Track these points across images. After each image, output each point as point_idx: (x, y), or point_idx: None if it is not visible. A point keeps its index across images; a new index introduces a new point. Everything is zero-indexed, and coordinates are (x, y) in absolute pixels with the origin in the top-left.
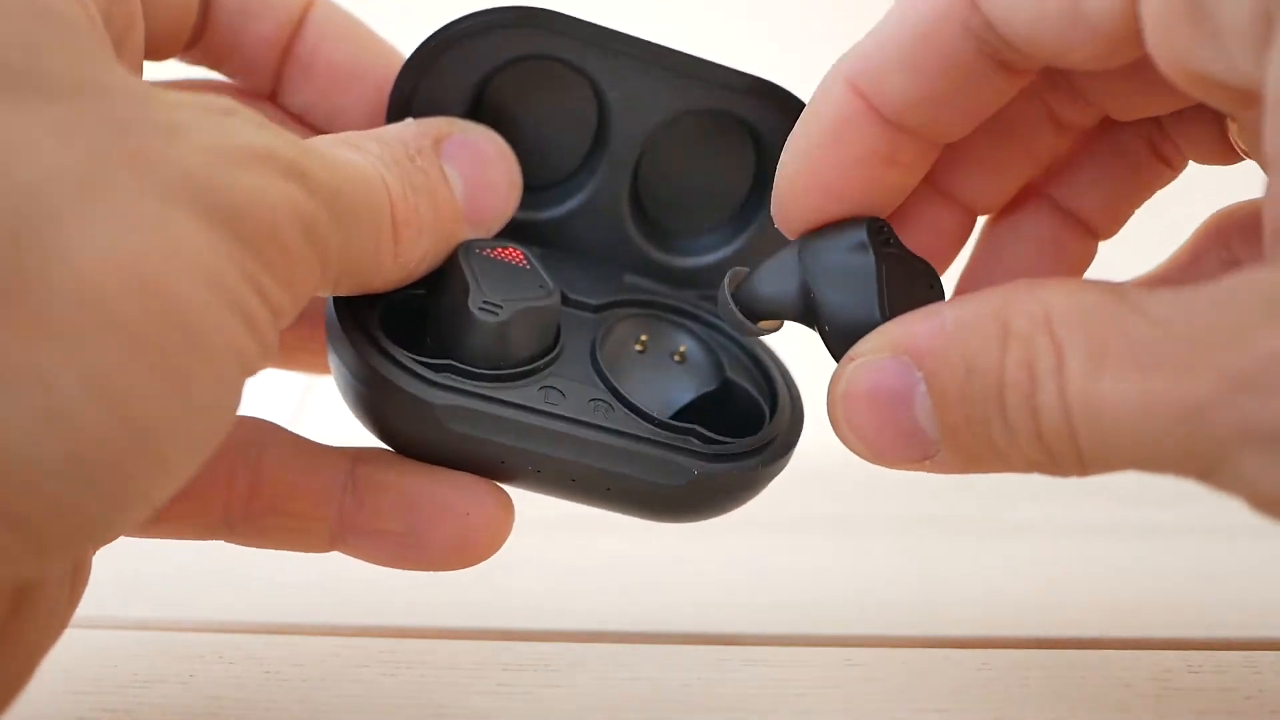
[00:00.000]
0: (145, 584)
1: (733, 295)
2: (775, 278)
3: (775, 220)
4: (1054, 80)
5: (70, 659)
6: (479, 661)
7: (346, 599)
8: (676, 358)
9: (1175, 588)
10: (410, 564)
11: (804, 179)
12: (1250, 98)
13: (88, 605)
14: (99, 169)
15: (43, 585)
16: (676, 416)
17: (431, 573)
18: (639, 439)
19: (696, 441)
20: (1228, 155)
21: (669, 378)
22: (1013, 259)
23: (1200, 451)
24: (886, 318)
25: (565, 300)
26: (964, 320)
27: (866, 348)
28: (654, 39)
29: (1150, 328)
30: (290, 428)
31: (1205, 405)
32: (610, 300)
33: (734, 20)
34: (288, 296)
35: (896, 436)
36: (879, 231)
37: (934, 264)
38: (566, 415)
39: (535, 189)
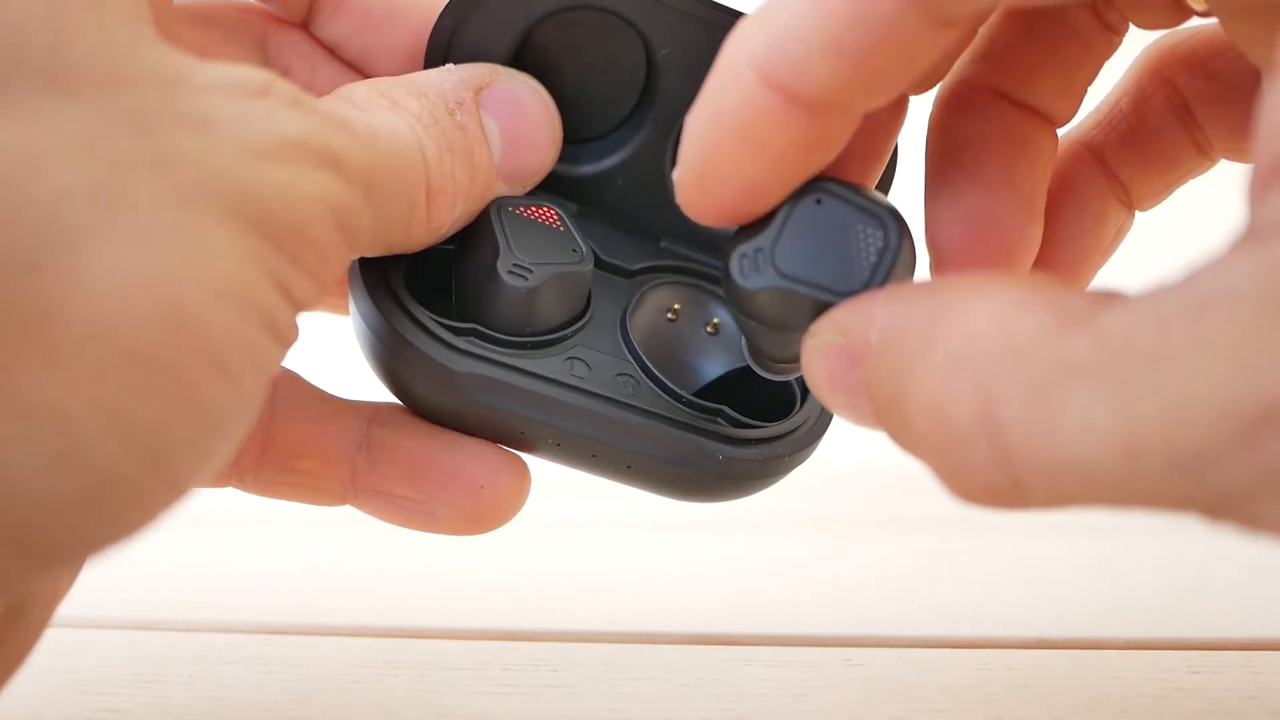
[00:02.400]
0: (145, 584)
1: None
2: None
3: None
4: None
5: (71, 659)
6: (479, 661)
7: (346, 599)
8: (709, 329)
9: (1175, 588)
10: (420, 528)
11: (716, 183)
12: None
13: (88, 605)
14: (122, 179)
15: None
16: (705, 390)
17: (440, 558)
18: (665, 419)
19: (724, 423)
20: (1172, 17)
21: (700, 350)
22: (975, 166)
23: (1202, 498)
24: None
25: (598, 263)
26: (889, 334)
27: (821, 326)
28: None
29: (1108, 348)
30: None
31: (1210, 450)
32: (645, 265)
33: None
34: (315, 286)
35: (863, 419)
36: (811, 188)
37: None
38: (591, 390)
39: (574, 142)
